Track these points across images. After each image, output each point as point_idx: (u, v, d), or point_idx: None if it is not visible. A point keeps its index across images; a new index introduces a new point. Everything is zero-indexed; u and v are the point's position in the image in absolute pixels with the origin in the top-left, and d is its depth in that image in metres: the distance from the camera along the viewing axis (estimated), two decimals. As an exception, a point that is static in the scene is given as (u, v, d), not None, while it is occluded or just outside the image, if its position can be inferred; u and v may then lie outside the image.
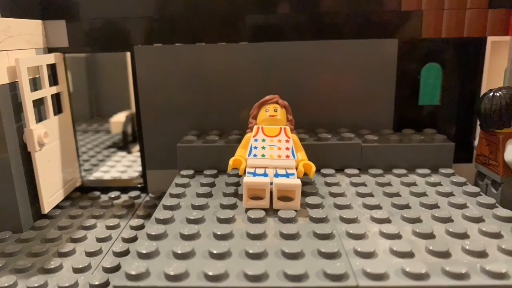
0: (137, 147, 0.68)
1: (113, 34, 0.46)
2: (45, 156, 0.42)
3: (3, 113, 0.37)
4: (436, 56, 0.47)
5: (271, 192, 0.33)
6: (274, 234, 0.30)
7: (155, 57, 0.47)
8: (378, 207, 0.34)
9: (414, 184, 0.39)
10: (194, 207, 0.35)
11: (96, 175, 0.58)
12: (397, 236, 0.29)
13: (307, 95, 0.47)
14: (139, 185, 0.51)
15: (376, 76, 0.47)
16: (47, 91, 0.43)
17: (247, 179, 0.33)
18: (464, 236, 0.29)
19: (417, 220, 0.32)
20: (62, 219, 0.42)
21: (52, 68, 0.46)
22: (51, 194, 0.43)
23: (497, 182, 0.38)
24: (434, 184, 0.39)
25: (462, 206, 0.34)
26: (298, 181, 0.33)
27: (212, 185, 0.40)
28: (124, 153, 0.69)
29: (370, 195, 0.36)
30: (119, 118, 0.75)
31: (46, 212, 0.42)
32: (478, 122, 0.40)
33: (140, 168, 0.52)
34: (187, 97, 0.48)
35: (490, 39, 0.45)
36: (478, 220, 0.32)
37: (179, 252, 0.27)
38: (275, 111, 0.39)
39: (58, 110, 0.47)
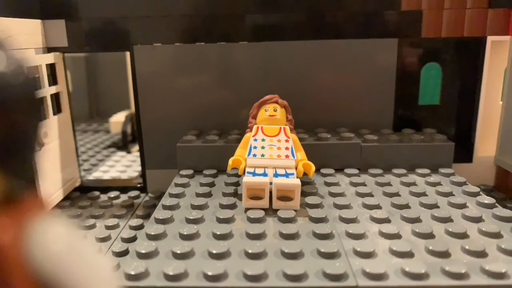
0: (136, 147, 0.67)
1: (113, 34, 0.46)
2: (45, 156, 0.42)
3: (2, 112, 0.37)
4: (436, 55, 0.47)
5: (270, 192, 0.33)
6: (273, 234, 0.30)
7: (155, 57, 0.47)
8: (377, 207, 0.34)
9: (413, 184, 0.39)
10: (194, 207, 0.35)
11: (96, 175, 0.58)
12: (397, 236, 0.29)
13: (306, 95, 0.47)
14: (139, 185, 0.51)
15: (375, 75, 0.47)
16: (46, 91, 0.43)
17: (247, 179, 0.33)
18: (463, 236, 0.29)
19: (417, 220, 0.32)
20: (62, 219, 0.42)
21: (51, 67, 0.46)
22: (50, 194, 0.43)
23: None
24: (433, 184, 0.39)
25: (462, 206, 0.34)
26: (298, 181, 0.33)
27: (211, 185, 0.40)
28: (123, 153, 0.69)
29: (370, 195, 0.36)
30: (118, 118, 0.75)
31: (45, 212, 0.42)
32: None
33: (139, 168, 0.52)
34: (187, 96, 0.48)
35: (490, 38, 0.45)
36: (478, 220, 0.32)
37: (179, 252, 0.27)
38: (275, 110, 0.39)
39: (57, 110, 0.47)
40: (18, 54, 0.13)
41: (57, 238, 0.13)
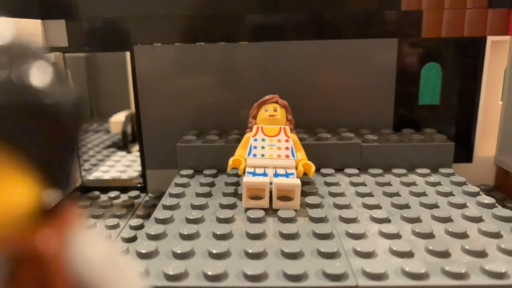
0: (136, 147, 0.67)
1: (113, 34, 0.46)
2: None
3: (2, 112, 0.37)
4: (436, 55, 0.47)
5: (270, 192, 0.33)
6: (273, 234, 0.30)
7: (155, 57, 0.47)
8: (377, 206, 0.34)
9: (413, 184, 0.39)
10: (194, 207, 0.35)
11: (96, 175, 0.58)
12: (397, 236, 0.29)
13: (307, 95, 0.47)
14: (139, 185, 0.51)
15: (376, 76, 0.47)
16: (46, 91, 0.43)
17: (247, 178, 0.33)
18: (463, 236, 0.29)
19: (417, 220, 0.32)
20: (62, 219, 0.42)
21: (51, 67, 0.46)
22: (50, 194, 0.43)
23: None
24: (433, 184, 0.39)
25: (462, 206, 0.34)
26: (298, 181, 0.33)
27: (211, 185, 0.40)
28: (123, 153, 0.69)
29: (370, 194, 0.36)
30: (118, 118, 0.75)
31: (45, 211, 0.42)
32: None
33: (139, 168, 0.52)
34: (187, 96, 0.48)
35: (490, 38, 0.45)
36: (478, 220, 0.32)
37: (179, 252, 0.27)
38: (275, 110, 0.39)
39: (57, 109, 0.47)
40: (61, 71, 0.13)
41: (97, 248, 0.13)
